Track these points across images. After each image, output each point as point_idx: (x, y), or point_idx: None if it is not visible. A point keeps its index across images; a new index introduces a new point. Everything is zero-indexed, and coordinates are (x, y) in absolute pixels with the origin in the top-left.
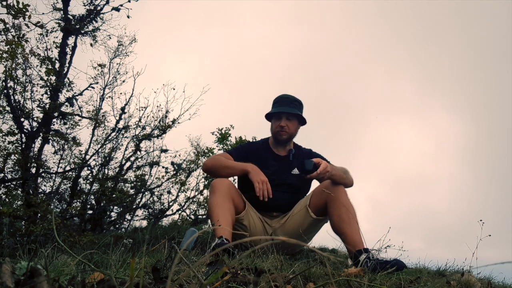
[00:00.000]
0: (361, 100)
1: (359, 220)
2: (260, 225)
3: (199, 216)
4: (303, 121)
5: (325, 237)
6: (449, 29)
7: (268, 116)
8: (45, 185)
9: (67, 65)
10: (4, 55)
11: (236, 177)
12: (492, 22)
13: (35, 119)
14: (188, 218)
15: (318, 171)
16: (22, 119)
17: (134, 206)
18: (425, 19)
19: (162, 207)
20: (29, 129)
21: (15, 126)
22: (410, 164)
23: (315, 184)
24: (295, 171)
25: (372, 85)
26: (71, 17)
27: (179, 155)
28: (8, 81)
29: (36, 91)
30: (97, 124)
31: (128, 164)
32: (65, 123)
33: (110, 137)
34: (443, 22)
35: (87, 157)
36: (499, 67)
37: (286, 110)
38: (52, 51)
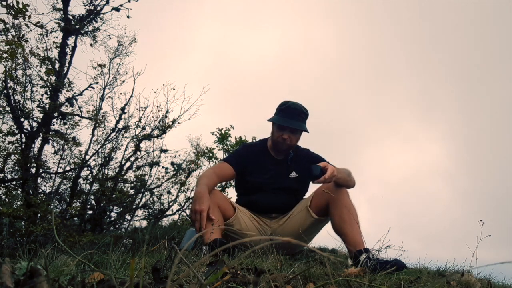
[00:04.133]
0: (355, 113)
1: (360, 221)
2: (254, 228)
3: None
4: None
5: (325, 237)
6: (445, 47)
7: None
8: (45, 185)
9: (67, 65)
10: (4, 55)
11: (233, 181)
12: (488, 45)
13: (35, 119)
14: (188, 218)
15: (326, 176)
16: (22, 119)
17: (134, 206)
18: (423, 37)
19: (162, 207)
20: (29, 129)
21: (15, 126)
22: (407, 172)
23: (312, 185)
24: (293, 174)
25: (366, 98)
26: (71, 17)
27: (179, 155)
28: (8, 81)
29: (36, 91)
30: (97, 124)
31: (128, 164)
32: (65, 123)
33: (110, 137)
34: (442, 42)
35: (87, 157)
36: (493, 78)
37: (292, 126)
38: (52, 51)
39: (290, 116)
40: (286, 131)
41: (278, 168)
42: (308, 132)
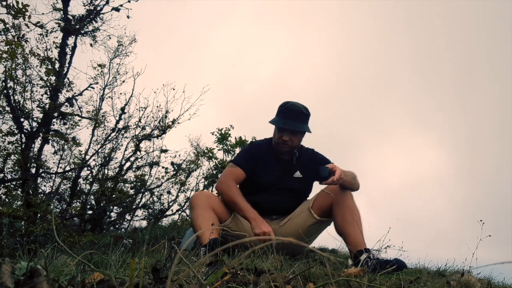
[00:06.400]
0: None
1: (363, 223)
2: (251, 229)
3: None
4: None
5: (325, 238)
6: (441, 58)
7: None
8: (45, 185)
9: (67, 65)
10: (4, 55)
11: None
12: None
13: (35, 119)
14: (187, 218)
15: (335, 178)
16: (22, 119)
17: (134, 206)
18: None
19: (162, 207)
20: (29, 129)
21: (15, 126)
22: (406, 176)
23: (315, 187)
24: (297, 174)
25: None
26: (71, 17)
27: (179, 155)
28: (8, 81)
29: (36, 91)
30: (97, 124)
31: (128, 164)
32: (65, 123)
33: (110, 137)
34: (436, 52)
35: (87, 157)
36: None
37: (291, 127)
38: (52, 51)
39: (289, 117)
40: (286, 133)
41: (283, 168)
42: (310, 132)
